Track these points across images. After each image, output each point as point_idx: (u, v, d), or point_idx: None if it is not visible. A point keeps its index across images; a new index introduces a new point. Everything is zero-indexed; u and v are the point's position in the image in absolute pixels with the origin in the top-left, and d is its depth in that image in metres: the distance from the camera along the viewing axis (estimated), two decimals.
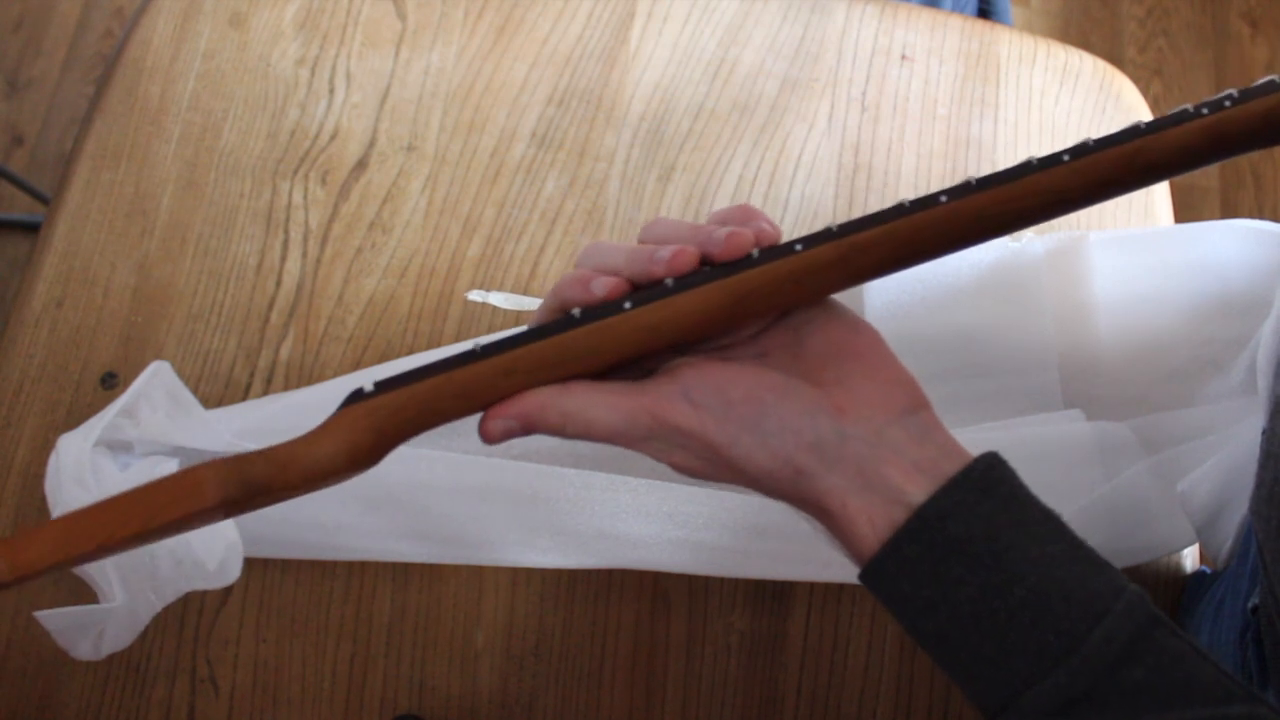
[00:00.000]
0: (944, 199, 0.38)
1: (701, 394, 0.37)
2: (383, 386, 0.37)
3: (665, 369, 0.39)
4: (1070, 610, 0.34)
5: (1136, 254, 0.60)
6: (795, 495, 0.38)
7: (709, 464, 0.38)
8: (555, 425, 0.37)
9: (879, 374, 0.38)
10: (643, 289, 0.38)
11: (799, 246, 0.38)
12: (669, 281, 0.37)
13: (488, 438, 0.37)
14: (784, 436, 0.37)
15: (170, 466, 0.53)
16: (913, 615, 0.36)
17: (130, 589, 0.50)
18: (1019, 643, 0.34)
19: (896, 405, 0.38)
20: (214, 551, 0.51)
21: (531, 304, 0.61)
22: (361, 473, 0.37)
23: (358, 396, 0.37)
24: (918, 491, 0.36)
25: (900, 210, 0.38)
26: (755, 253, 0.38)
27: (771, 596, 0.59)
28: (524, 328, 0.38)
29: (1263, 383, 0.53)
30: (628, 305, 0.37)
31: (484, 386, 0.37)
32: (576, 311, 0.37)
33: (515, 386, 0.37)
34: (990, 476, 0.36)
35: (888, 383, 0.38)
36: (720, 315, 0.38)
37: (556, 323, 0.38)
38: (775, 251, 0.38)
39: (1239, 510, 0.53)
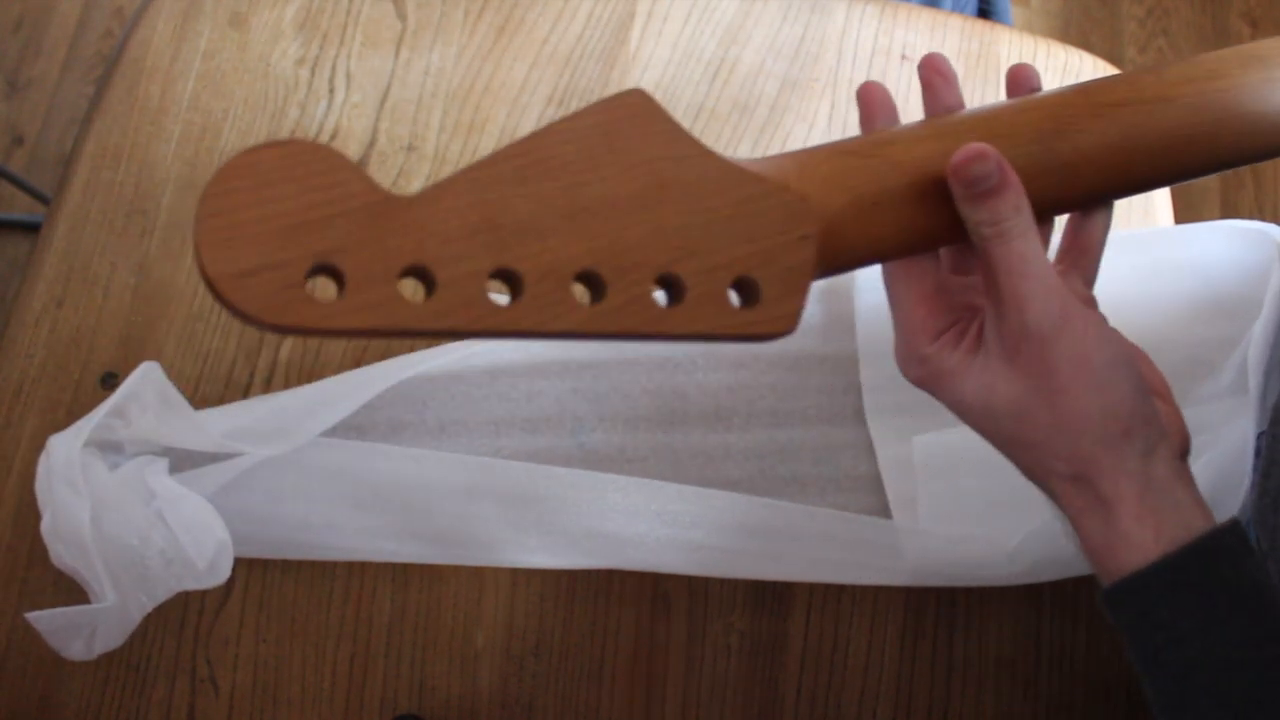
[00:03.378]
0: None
1: (1100, 320, 0.38)
2: None
3: None
4: None
5: (1128, 255, 0.60)
6: (1102, 447, 0.37)
7: (1027, 395, 0.37)
8: (1009, 209, 0.36)
9: (1174, 410, 0.41)
10: None
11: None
12: None
13: (956, 165, 0.36)
14: (1133, 397, 0.37)
15: (160, 466, 0.53)
16: (1159, 643, 0.36)
17: (121, 589, 0.50)
18: (1269, 698, 0.34)
19: (1183, 443, 0.40)
20: (204, 551, 0.51)
21: None
22: (795, 195, 0.33)
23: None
24: (1199, 521, 0.36)
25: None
26: None
27: (771, 596, 0.59)
28: None
29: (1254, 381, 0.53)
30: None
31: (888, 133, 0.38)
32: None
33: (917, 135, 0.38)
34: (1247, 538, 0.37)
35: (1180, 421, 0.40)
36: (1077, 101, 0.39)
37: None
38: None
39: (1230, 510, 0.53)
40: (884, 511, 0.59)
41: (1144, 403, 0.37)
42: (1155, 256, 0.60)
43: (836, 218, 0.35)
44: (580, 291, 0.31)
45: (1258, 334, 0.54)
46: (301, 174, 0.27)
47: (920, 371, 0.40)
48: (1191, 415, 0.57)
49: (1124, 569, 0.36)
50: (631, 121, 0.31)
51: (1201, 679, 0.35)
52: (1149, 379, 0.40)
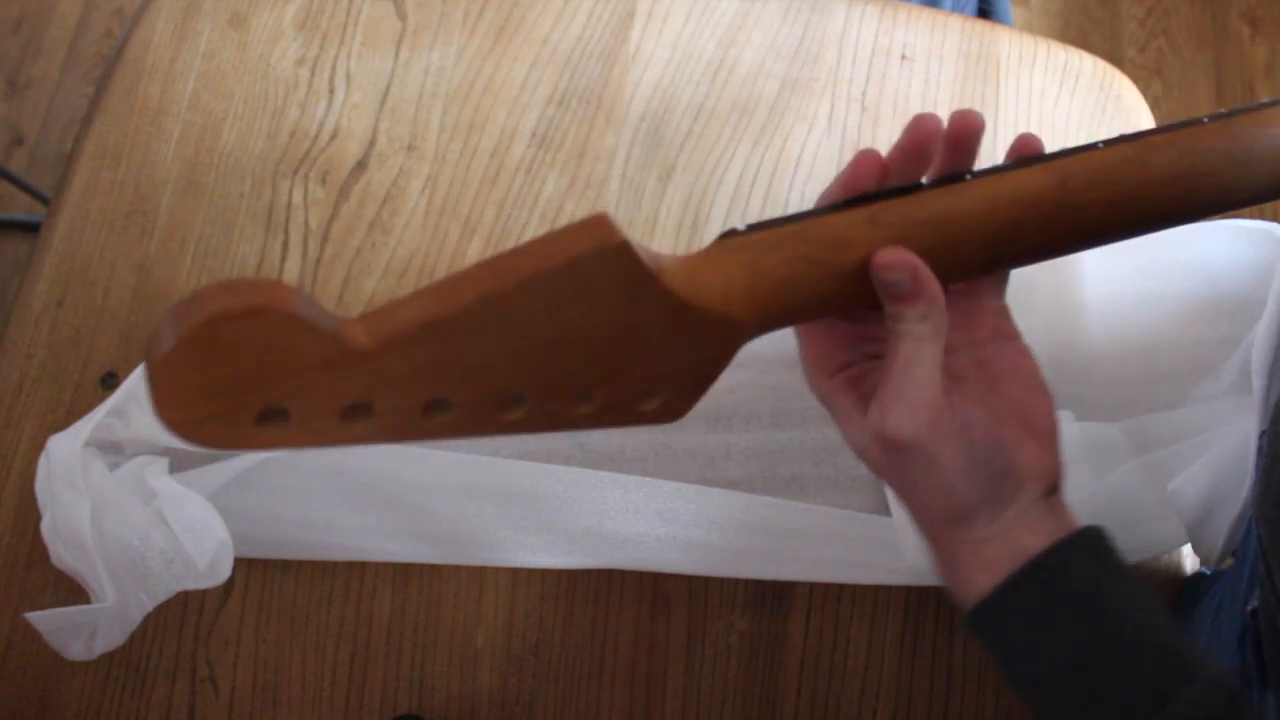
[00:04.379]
0: (1208, 120, 0.40)
1: (966, 425, 0.38)
2: (754, 227, 0.37)
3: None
4: (1161, 670, 0.37)
5: (1127, 255, 0.60)
6: (945, 526, 0.40)
7: (897, 454, 0.39)
8: (914, 315, 0.37)
9: (1048, 452, 0.40)
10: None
11: (1100, 144, 0.39)
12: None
13: (875, 265, 0.37)
14: (981, 494, 0.39)
15: (160, 466, 0.53)
16: (1013, 660, 0.39)
17: (121, 588, 0.50)
18: (1113, 695, 0.37)
19: (1049, 484, 0.40)
20: (204, 551, 0.51)
21: None
22: (731, 324, 0.35)
23: (731, 234, 0.37)
24: (1037, 543, 0.38)
25: (1196, 120, 0.40)
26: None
27: (771, 596, 0.59)
28: None
29: (1258, 382, 0.53)
30: (968, 177, 0.38)
31: (852, 231, 0.37)
32: (924, 180, 0.39)
33: (881, 238, 0.37)
34: (1098, 544, 0.39)
35: (1051, 462, 0.40)
36: (1049, 197, 0.38)
37: (909, 185, 0.38)
38: (1078, 149, 0.39)
39: (1230, 510, 0.53)
40: (884, 512, 0.59)
41: (997, 489, 0.39)
42: (1156, 256, 0.60)
43: (770, 316, 0.36)
44: (504, 402, 0.33)
45: (1260, 335, 0.53)
46: (261, 343, 0.28)
47: (818, 395, 0.42)
48: (1191, 415, 0.57)
49: (973, 600, 0.39)
50: (594, 265, 0.31)
51: (1052, 685, 0.38)
52: (1032, 422, 0.40)
